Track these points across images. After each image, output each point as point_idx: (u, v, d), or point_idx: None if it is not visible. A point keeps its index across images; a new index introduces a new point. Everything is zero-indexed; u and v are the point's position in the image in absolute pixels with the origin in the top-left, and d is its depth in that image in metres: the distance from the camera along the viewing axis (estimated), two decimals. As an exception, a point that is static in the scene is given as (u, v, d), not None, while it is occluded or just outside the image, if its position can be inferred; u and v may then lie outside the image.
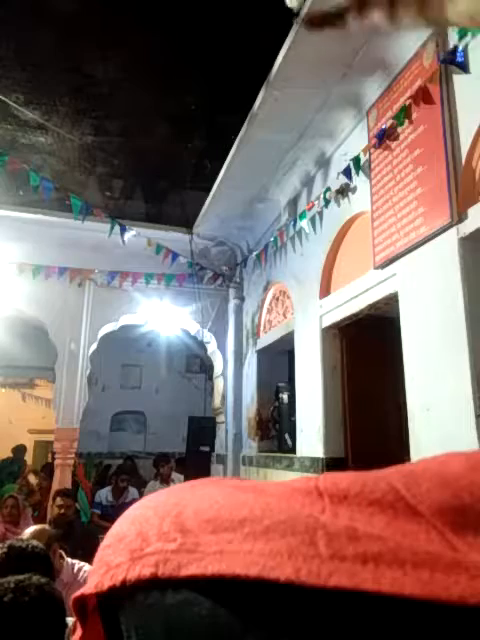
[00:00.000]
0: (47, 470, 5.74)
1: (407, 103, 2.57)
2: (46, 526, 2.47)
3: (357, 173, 3.06)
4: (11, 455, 7.46)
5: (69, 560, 2.45)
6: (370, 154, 2.91)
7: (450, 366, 2.20)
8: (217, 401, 5.36)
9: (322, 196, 3.44)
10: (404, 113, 2.59)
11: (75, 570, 2.40)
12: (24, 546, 1.63)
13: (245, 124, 3.45)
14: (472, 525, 0.19)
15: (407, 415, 2.49)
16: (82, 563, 2.45)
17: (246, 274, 5.20)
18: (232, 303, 5.28)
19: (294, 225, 3.90)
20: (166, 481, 5.05)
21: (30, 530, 2.29)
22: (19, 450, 7.59)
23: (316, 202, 3.55)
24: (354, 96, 3.05)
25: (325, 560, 0.19)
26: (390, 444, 2.96)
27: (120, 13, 2.91)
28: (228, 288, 5.31)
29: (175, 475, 5.27)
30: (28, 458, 7.97)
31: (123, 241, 4.24)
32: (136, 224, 4.57)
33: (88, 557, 2.33)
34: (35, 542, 1.69)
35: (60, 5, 2.78)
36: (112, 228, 4.20)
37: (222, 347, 5.29)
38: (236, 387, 5.08)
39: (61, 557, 2.39)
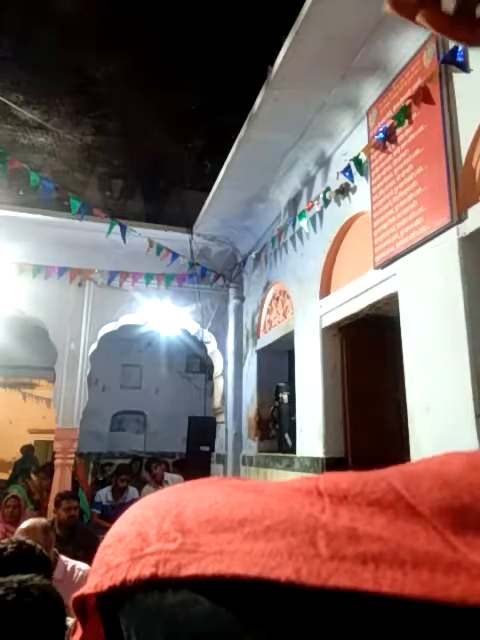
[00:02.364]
0: (47, 470, 5.75)
1: (407, 103, 2.57)
2: (38, 520, 2.42)
3: (358, 173, 3.06)
4: (21, 455, 7.50)
5: (63, 557, 2.46)
6: (370, 154, 2.91)
7: (450, 366, 2.20)
8: (217, 401, 5.36)
9: (322, 196, 3.43)
10: (404, 113, 2.59)
11: (68, 568, 2.41)
12: (23, 545, 1.62)
13: (245, 124, 3.45)
14: (472, 525, 0.19)
15: (407, 415, 2.49)
16: (75, 562, 2.46)
17: (246, 274, 5.19)
18: (232, 303, 5.28)
19: (294, 225, 3.90)
20: (160, 483, 5.04)
21: (23, 526, 2.27)
22: (28, 449, 7.67)
23: (316, 202, 3.55)
24: (354, 96, 3.05)
25: (325, 560, 0.19)
26: (390, 444, 2.96)
27: (120, 13, 2.91)
28: (228, 288, 5.31)
29: (169, 476, 5.26)
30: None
31: (124, 239, 4.23)
32: (136, 224, 4.57)
33: (89, 557, 2.33)
34: (31, 541, 1.69)
35: (60, 5, 2.79)
36: (111, 228, 4.20)
37: (222, 347, 5.29)
38: (236, 387, 5.08)
39: (55, 554, 2.39)
